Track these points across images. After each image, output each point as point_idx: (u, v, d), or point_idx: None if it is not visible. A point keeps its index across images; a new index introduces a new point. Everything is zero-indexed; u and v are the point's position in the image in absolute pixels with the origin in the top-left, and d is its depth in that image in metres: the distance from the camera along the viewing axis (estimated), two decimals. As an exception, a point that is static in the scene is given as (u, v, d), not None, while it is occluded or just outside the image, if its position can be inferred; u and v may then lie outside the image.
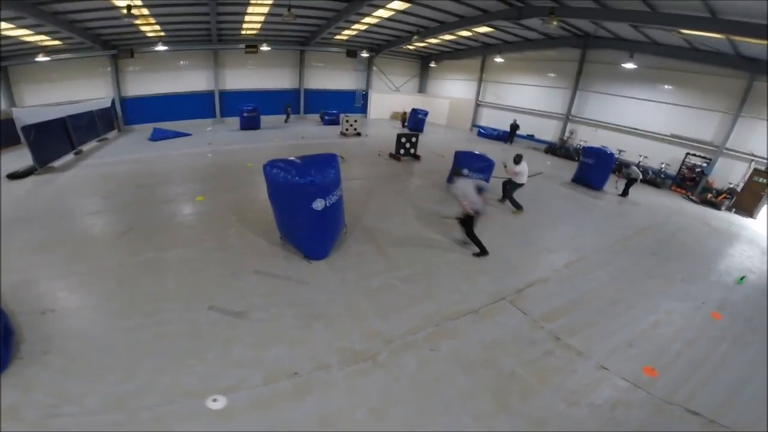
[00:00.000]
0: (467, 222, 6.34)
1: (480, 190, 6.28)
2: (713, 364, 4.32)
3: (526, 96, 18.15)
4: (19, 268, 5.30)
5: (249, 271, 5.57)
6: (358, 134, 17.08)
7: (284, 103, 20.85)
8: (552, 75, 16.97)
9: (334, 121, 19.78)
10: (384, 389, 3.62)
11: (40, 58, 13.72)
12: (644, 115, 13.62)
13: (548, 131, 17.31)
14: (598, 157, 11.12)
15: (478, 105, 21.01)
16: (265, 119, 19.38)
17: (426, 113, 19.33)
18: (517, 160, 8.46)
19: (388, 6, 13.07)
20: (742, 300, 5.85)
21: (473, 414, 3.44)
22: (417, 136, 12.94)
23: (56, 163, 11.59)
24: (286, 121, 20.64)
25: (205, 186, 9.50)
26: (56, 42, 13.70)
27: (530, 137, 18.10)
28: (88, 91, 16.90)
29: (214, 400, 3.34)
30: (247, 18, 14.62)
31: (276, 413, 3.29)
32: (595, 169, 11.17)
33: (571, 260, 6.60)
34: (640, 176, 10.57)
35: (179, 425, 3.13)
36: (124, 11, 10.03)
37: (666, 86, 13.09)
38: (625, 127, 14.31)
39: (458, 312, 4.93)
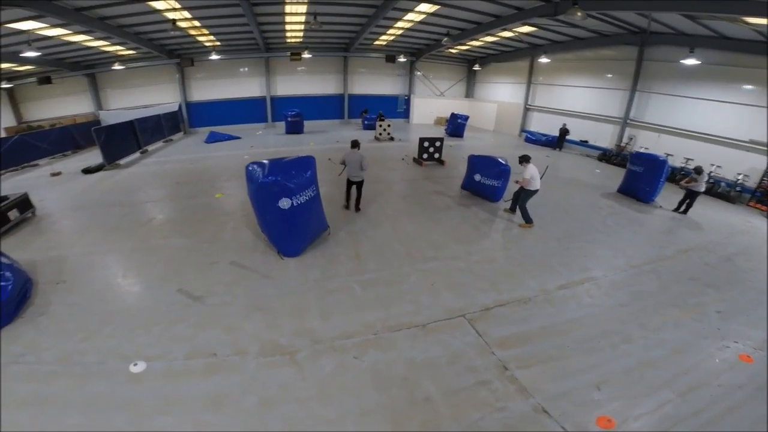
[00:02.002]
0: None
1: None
2: (711, 418, 3.32)
3: (579, 98, 16.37)
4: (60, 246, 6.57)
5: (226, 262, 6.01)
6: (392, 139, 16.99)
7: (363, 109, 21.78)
8: (607, 75, 15.07)
9: (374, 126, 19.96)
10: (286, 384, 3.62)
11: (116, 66, 16.10)
12: (717, 118, 11.31)
13: (604, 137, 15.38)
14: (648, 164, 9.48)
15: (527, 109, 19.53)
16: (312, 124, 20.40)
17: (466, 118, 18.56)
18: (523, 161, 7.52)
19: (417, 9, 12.80)
20: None
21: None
22: (442, 141, 12.43)
23: (123, 161, 13.46)
24: (364, 123, 20.90)
25: (228, 185, 10.26)
26: (130, 51, 15.94)
27: (584, 143, 16.28)
28: (160, 96, 19.46)
29: (135, 365, 3.78)
30: (287, 27, 15.51)
31: (178, 385, 3.58)
32: (643, 178, 9.55)
33: (572, 281, 5.66)
34: (702, 189, 8.68)
35: (96, 380, 3.61)
36: (171, 24, 11.30)
37: (745, 86, 10.72)
38: (693, 132, 12.06)
39: (403, 324, 4.55)
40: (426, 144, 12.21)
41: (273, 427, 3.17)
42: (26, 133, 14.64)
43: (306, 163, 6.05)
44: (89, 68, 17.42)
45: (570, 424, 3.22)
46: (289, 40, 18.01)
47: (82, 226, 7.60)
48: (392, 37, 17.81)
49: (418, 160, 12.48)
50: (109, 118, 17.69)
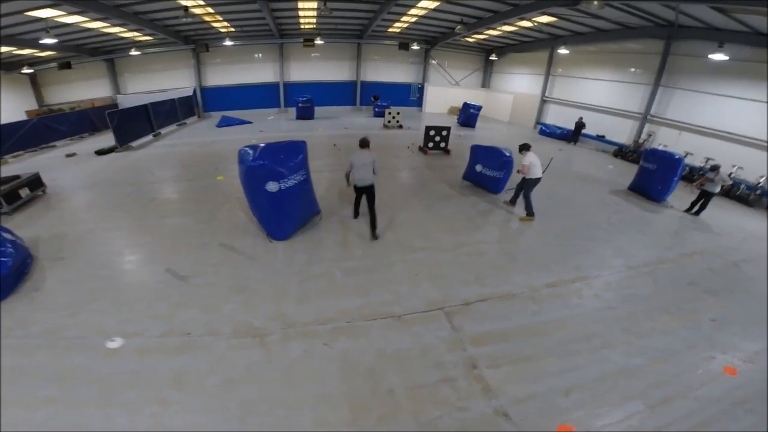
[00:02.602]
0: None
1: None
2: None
3: (599, 92, 15.63)
4: (64, 223, 6.81)
5: (216, 243, 6.14)
6: (400, 127, 16.79)
7: (373, 95, 21.85)
8: (629, 69, 14.27)
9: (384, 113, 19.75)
10: (252, 366, 3.66)
11: (133, 52, 16.38)
12: (743, 117, 10.55)
13: (622, 132, 14.69)
14: (662, 162, 8.98)
15: (544, 101, 18.83)
16: (324, 110, 20.34)
17: (479, 108, 18.10)
18: (523, 149, 7.28)
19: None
20: None
21: (317, 418, 3.17)
22: (448, 130, 12.15)
23: (135, 143, 13.81)
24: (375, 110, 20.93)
25: (231, 168, 10.29)
26: (147, 37, 16.19)
27: (600, 138, 15.62)
28: (176, 80, 19.77)
29: (112, 341, 3.91)
30: (301, 13, 15.36)
31: (149, 362, 3.68)
32: (656, 176, 9.08)
33: (563, 279, 5.46)
34: (717, 190, 8.18)
35: (75, 354, 3.75)
36: (184, 11, 11.37)
37: None
38: (717, 130, 11.32)
39: (379, 313, 4.52)
40: (432, 133, 11.99)
41: (229, 407, 3.21)
42: (45, 116, 15.19)
43: (296, 148, 6.07)
44: (108, 54, 17.84)
45: (529, 430, 3.13)
46: (303, 27, 17.88)
47: (87, 204, 7.91)
48: (406, 25, 17.42)
49: (423, 149, 12.27)
50: (126, 102, 18.13)
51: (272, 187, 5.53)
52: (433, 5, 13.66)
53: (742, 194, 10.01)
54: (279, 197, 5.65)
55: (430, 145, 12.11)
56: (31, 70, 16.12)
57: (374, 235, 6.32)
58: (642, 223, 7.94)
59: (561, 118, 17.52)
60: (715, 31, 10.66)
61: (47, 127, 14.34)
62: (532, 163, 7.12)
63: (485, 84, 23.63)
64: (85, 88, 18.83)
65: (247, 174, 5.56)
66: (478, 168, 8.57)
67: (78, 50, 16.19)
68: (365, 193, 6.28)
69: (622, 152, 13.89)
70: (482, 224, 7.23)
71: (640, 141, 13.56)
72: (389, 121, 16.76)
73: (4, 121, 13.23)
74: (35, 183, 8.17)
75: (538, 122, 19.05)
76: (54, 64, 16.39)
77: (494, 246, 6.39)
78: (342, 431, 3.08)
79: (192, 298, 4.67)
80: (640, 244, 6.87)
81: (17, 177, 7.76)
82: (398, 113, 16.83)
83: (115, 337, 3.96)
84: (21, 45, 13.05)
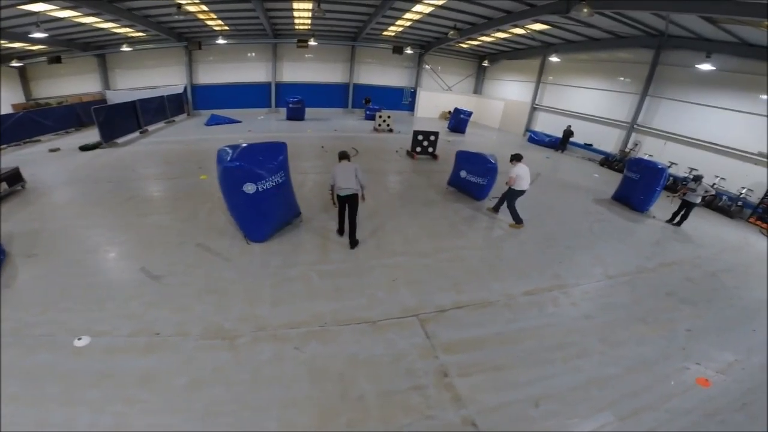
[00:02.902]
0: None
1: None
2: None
3: (588, 100, 15.81)
4: (40, 219, 6.67)
5: (194, 243, 6.03)
6: (390, 131, 16.78)
7: (364, 98, 21.99)
8: (618, 78, 14.50)
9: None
10: (220, 368, 3.60)
11: (124, 48, 16.16)
12: (729, 128, 10.74)
13: (609, 141, 14.87)
14: (645, 171, 9.08)
15: (534, 108, 19.02)
16: (315, 111, 20.26)
17: (470, 114, 18.19)
18: (514, 159, 7.32)
19: (426, 1, 12.45)
20: (758, 366, 4.22)
21: (284, 421, 3.11)
22: (436, 135, 12.16)
23: (121, 140, 13.58)
24: (365, 113, 21.30)
25: (215, 166, 10.18)
26: (140, 34, 15.98)
27: (588, 146, 15.79)
28: (168, 77, 19.52)
29: (79, 339, 3.84)
30: (296, 13, 15.31)
31: (115, 360, 3.62)
32: (639, 186, 9.17)
33: (540, 287, 5.44)
34: (698, 200, 8.29)
35: (42, 352, 3.67)
36: (176, 8, 11.23)
37: (762, 95, 10.06)
38: (702, 141, 11.50)
39: (353, 318, 4.45)
40: (420, 137, 11.98)
41: (194, 408, 3.16)
42: (31, 110, 14.87)
43: (275, 149, 5.99)
44: (100, 49, 17.56)
45: (496, 439, 3.08)
46: (297, 27, 17.82)
47: (66, 200, 7.74)
48: (401, 29, 17.47)
49: (410, 153, 12.26)
50: (116, 97, 17.86)
51: (249, 188, 5.44)
52: (428, 10, 13.71)
53: (723, 205, 10.16)
54: (256, 199, 5.55)
55: (418, 149, 12.10)
56: (20, 64, 15.78)
57: (353, 244, 6.18)
58: (623, 232, 8.00)
59: (551, 125, 17.68)
60: (704, 41, 10.86)
61: (32, 121, 14.00)
62: (519, 176, 7.11)
63: (477, 90, 23.81)
64: (75, 83, 18.48)
65: (224, 175, 5.47)
66: (463, 174, 8.57)
67: (69, 44, 15.92)
68: (348, 202, 6.01)
69: (608, 161, 14.04)
70: (464, 230, 7.21)
71: (627, 150, 13.72)
72: (380, 125, 16.76)
73: None
74: (14, 178, 7.94)
75: (527, 129, 19.21)
76: (44, 58, 16.07)
77: (474, 252, 6.36)
78: (303, 440, 2.99)
79: (164, 298, 4.59)
80: (620, 254, 6.91)
81: None
82: (389, 117, 16.84)
83: (83, 335, 3.89)
84: (11, 38, 12.76)
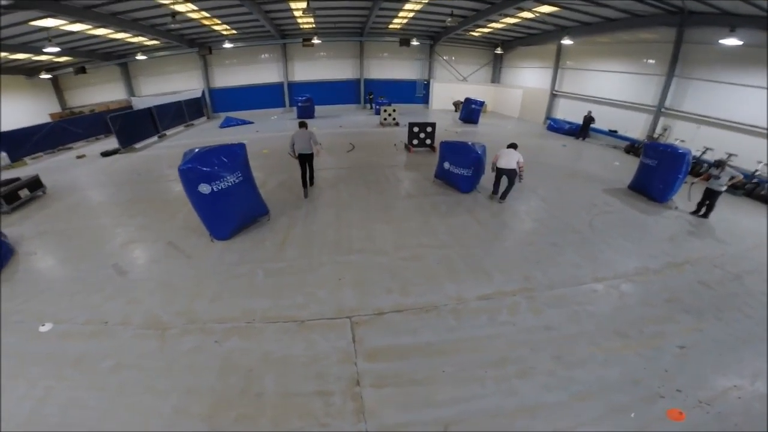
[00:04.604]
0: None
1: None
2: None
3: (610, 84, 14.25)
4: (50, 222, 7.23)
5: (165, 242, 6.23)
6: (397, 124, 16.24)
7: (368, 92, 22.07)
8: (641, 59, 12.90)
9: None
10: (144, 354, 3.78)
11: (139, 57, 16.97)
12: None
13: (636, 127, 13.30)
14: (664, 157, 7.85)
15: (553, 95, 17.57)
16: (327, 109, 20.27)
17: (482, 103, 17.21)
18: (509, 146, 7.44)
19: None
20: (760, 396, 3.28)
21: (178, 407, 3.16)
22: (434, 126, 11.49)
23: (139, 145, 14.25)
24: (370, 108, 21.59)
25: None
26: (154, 42, 16.71)
27: (613, 133, 14.27)
28: (187, 82, 20.37)
29: (44, 325, 4.21)
30: (296, 13, 15.19)
31: (64, 344, 3.94)
32: (657, 173, 7.95)
33: (502, 291, 4.73)
34: (723, 188, 7.03)
35: (10, 335, 4.05)
36: (171, 17, 11.50)
37: None
38: (740, 123, 9.87)
39: (283, 316, 4.27)
40: (416, 129, 11.37)
41: (109, 387, 3.37)
42: (62, 120, 16.08)
43: (231, 151, 6.04)
44: (121, 58, 18.63)
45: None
46: (301, 26, 17.78)
47: (75, 204, 8.20)
48: (405, 21, 16.88)
49: (407, 146, 11.69)
50: (140, 104, 18.90)
51: (204, 189, 5.56)
52: (425, -1, 13.05)
53: (765, 194, 8.59)
54: (212, 198, 5.66)
55: (415, 142, 11.49)
56: (49, 76, 17.12)
57: (311, 183, 8.12)
58: (632, 226, 6.94)
59: (572, 112, 16.23)
60: (727, 15, 9.34)
61: (64, 130, 15.17)
62: (499, 156, 7.29)
63: (495, 79, 22.49)
64: (103, 91, 19.82)
65: (180, 176, 5.55)
66: (446, 165, 7.94)
67: (90, 55, 17.00)
68: (306, 160, 7.75)
69: (634, 148, 12.54)
70: (435, 226, 6.58)
71: (655, 136, 12.17)
72: (385, 119, 16.30)
73: (28, 123, 14.13)
74: (35, 184, 8.61)
75: (548, 117, 17.81)
76: (70, 69, 17.31)
77: (437, 251, 5.72)
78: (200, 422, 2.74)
79: (123, 291, 4.86)
80: (619, 252, 5.96)
81: (17, 179, 8.27)
82: (394, 110, 16.33)
83: (48, 322, 4.25)
84: (28, 52, 13.79)
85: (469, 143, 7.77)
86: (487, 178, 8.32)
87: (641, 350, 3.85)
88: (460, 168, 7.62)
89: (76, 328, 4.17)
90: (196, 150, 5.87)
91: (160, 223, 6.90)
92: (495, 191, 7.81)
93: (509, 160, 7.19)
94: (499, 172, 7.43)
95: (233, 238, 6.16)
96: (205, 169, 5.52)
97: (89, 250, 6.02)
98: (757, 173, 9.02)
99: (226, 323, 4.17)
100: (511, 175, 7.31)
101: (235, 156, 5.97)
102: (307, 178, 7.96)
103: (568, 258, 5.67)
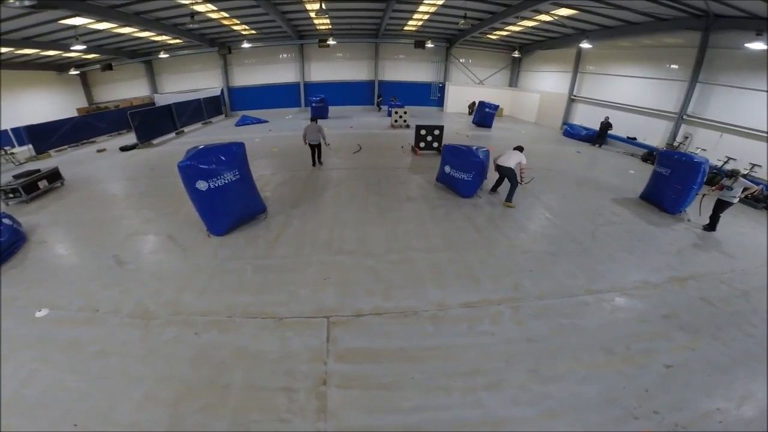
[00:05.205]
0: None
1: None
2: None
3: (630, 90, 13.73)
4: (63, 212, 7.60)
5: (165, 235, 6.43)
6: (408, 126, 16.19)
7: (378, 93, 22.31)
8: (663, 64, 12.39)
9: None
10: (127, 342, 3.91)
11: (162, 55, 17.59)
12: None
13: (655, 134, 12.78)
14: (678, 165, 7.51)
15: (572, 100, 17.10)
16: (340, 109, 20.43)
17: (496, 107, 16.92)
18: (515, 148, 7.68)
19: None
20: (746, 420, 3.10)
21: (148, 393, 3.28)
22: (441, 129, 11.39)
23: (156, 140, 14.79)
24: (378, 110, 21.86)
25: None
26: (176, 41, 17.31)
27: (631, 140, 13.75)
28: (209, 80, 20.99)
29: (40, 311, 4.41)
30: (312, 14, 15.39)
31: (56, 329, 4.12)
32: (670, 183, 7.61)
33: (487, 299, 4.63)
34: (736, 200, 6.65)
35: (9, 319, 4.24)
36: (190, 17, 11.88)
37: None
38: (765, 132, 9.32)
39: (263, 312, 4.35)
40: (423, 132, 11.31)
41: (89, 371, 3.51)
42: (87, 114, 16.87)
43: (229, 150, 6.18)
44: (145, 56, 19.38)
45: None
46: (318, 27, 18.01)
47: (89, 196, 8.58)
48: (420, 23, 16.82)
49: (413, 149, 11.63)
50: (162, 100, 19.62)
51: (201, 185, 5.73)
52: (441, 1, 12.92)
53: (789, 209, 8.08)
54: (209, 195, 5.83)
55: (422, 145, 11.43)
56: (77, 72, 18.00)
57: (320, 162, 10.37)
58: (639, 238, 6.66)
59: (590, 118, 15.74)
60: (755, 19, 8.84)
61: (89, 124, 15.92)
62: (501, 155, 7.47)
63: (513, 83, 22.09)
64: (128, 88, 20.69)
65: (179, 173, 5.75)
66: (447, 169, 7.85)
67: (117, 53, 17.77)
68: (315, 148, 9.96)
69: (652, 156, 12.04)
70: (430, 230, 6.52)
71: (675, 144, 11.65)
72: (396, 121, 16.30)
73: (57, 117, 14.93)
74: (53, 176, 9.09)
75: (565, 123, 17.34)
76: (98, 66, 18.16)
77: (428, 255, 5.66)
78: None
79: (119, 281, 5.01)
80: (620, 264, 5.74)
81: (38, 171, 8.75)
82: (405, 113, 16.31)
83: (45, 308, 4.44)
84: (58, 49, 14.54)
85: (473, 147, 7.66)
86: (491, 182, 8.28)
87: (624, 368, 3.69)
88: (461, 172, 7.53)
89: (70, 315, 4.34)
90: (199, 147, 6.08)
91: (164, 217, 7.12)
92: (494, 189, 8.13)
93: (508, 158, 7.29)
94: (500, 171, 7.55)
95: (229, 234, 6.30)
96: (202, 166, 5.70)
97: (95, 240, 6.28)
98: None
99: (208, 316, 4.28)
100: (510, 174, 7.31)
101: (233, 154, 6.11)
102: (316, 159, 10.11)
103: (564, 268, 5.50)
